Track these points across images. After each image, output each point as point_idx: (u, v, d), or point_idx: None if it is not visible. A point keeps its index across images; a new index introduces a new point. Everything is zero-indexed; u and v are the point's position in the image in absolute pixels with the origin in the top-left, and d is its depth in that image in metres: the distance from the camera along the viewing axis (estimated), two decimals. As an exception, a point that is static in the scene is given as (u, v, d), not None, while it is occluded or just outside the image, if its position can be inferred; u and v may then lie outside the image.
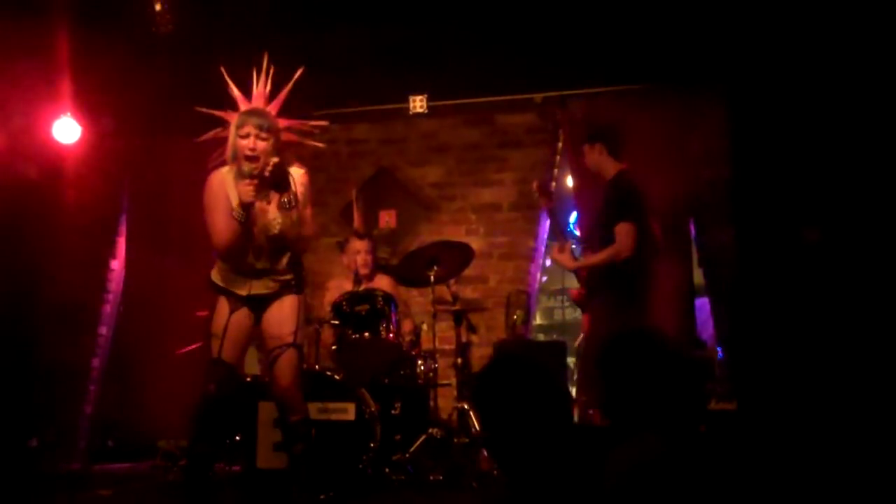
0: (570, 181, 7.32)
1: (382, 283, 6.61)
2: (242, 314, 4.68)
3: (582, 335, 6.18)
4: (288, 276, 4.71)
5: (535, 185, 6.35)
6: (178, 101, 6.89)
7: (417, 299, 7.31)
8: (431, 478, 5.84)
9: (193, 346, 6.70)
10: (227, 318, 4.64)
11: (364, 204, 7.48)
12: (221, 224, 4.55)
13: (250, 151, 4.48)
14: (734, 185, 6.29)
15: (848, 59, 5.69)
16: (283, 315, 4.67)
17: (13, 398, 6.80)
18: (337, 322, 6.02)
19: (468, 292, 7.43)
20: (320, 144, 4.86)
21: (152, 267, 7.60)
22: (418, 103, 7.44)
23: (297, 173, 4.63)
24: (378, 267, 6.86)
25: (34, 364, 7.08)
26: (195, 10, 6.26)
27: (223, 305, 4.69)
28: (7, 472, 6.35)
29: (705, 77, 6.67)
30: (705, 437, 2.63)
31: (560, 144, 6.97)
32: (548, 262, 7.77)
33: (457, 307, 6.61)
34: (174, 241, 7.51)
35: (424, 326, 6.68)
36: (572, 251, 5.96)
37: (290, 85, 4.74)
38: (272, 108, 4.70)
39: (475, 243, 6.91)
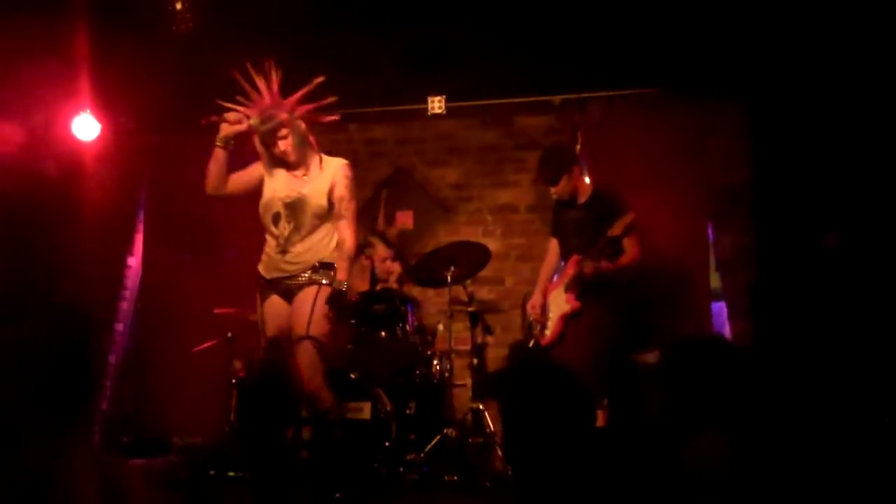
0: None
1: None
2: (275, 301, 4.84)
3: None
4: (304, 264, 4.80)
5: None
6: (197, 98, 6.92)
7: (434, 299, 7.32)
8: (446, 478, 5.84)
9: (209, 344, 6.72)
10: (261, 309, 4.87)
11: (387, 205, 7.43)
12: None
13: (281, 153, 4.88)
14: (755, 189, 6.27)
15: (868, 64, 5.67)
16: (300, 307, 4.74)
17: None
18: (354, 321, 6.03)
19: (484, 293, 7.42)
20: (335, 118, 5.02)
21: (169, 264, 7.63)
22: (436, 104, 7.43)
23: (336, 164, 4.86)
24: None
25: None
26: (215, 9, 6.28)
27: (257, 299, 4.93)
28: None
29: (724, 81, 6.65)
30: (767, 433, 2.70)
31: (578, 147, 6.96)
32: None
33: (473, 308, 6.63)
34: (192, 239, 7.53)
35: (440, 327, 6.70)
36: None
37: (307, 89, 4.90)
38: (286, 105, 4.87)
39: (492, 244, 6.90)
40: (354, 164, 7.89)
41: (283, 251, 4.82)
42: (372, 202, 7.65)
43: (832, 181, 5.78)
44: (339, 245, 4.84)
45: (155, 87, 6.81)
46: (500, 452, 6.09)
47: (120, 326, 7.69)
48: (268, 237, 4.92)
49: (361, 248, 6.78)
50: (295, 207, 4.81)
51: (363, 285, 6.52)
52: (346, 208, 4.86)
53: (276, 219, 4.85)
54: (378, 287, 6.48)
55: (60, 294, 7.24)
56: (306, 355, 4.67)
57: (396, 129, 8.05)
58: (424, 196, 7.90)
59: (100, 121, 7.13)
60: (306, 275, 4.79)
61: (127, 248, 7.80)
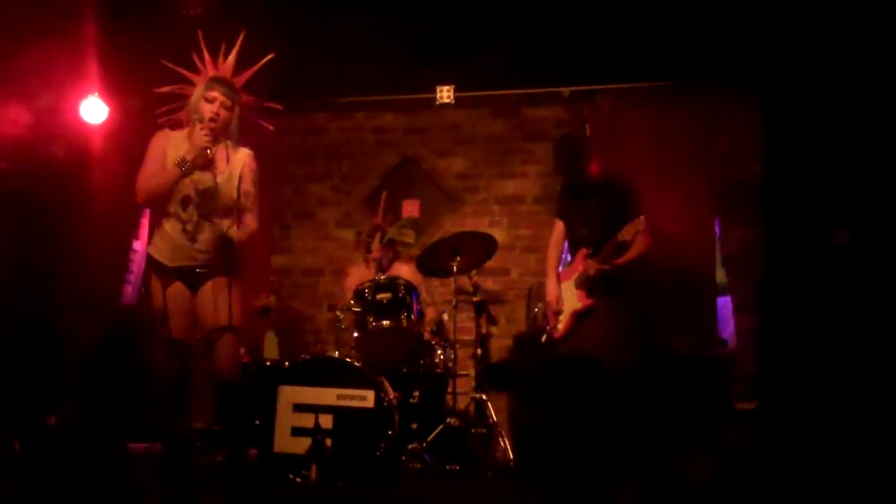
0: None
1: (403, 270, 6.61)
2: (178, 289, 4.68)
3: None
4: (211, 254, 4.70)
5: None
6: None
7: (439, 289, 7.31)
8: (448, 467, 5.84)
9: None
10: (163, 295, 4.66)
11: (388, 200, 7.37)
12: (151, 171, 4.74)
13: (213, 116, 4.69)
14: (765, 184, 6.24)
15: (883, 58, 5.63)
16: (215, 297, 4.63)
17: (33, 376, 6.82)
18: (358, 309, 6.02)
19: (490, 284, 7.42)
20: (270, 127, 4.99)
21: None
22: (445, 94, 7.44)
23: (242, 155, 4.81)
24: (396, 254, 6.91)
25: (55, 343, 7.10)
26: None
27: (154, 283, 4.72)
28: (26, 449, 6.38)
29: (736, 75, 6.63)
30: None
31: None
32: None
33: (478, 298, 6.61)
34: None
35: (445, 316, 6.70)
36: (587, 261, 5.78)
37: (258, 66, 4.90)
38: (237, 82, 4.85)
39: (498, 235, 6.88)
40: (362, 153, 8.05)
41: (192, 239, 4.68)
42: (375, 195, 7.65)
43: (843, 177, 5.75)
44: (241, 227, 4.77)
45: (163, 71, 6.78)
46: (502, 443, 6.09)
47: (124, 310, 7.70)
48: (172, 221, 4.73)
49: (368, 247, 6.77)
50: (206, 196, 4.66)
51: (367, 273, 6.52)
52: (253, 202, 4.81)
53: (186, 203, 4.69)
54: (384, 276, 6.47)
55: (66, 277, 7.25)
56: (230, 347, 4.65)
57: (405, 118, 8.05)
58: (431, 186, 7.90)
59: (108, 104, 7.11)
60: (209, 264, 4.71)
61: (133, 233, 7.79)
